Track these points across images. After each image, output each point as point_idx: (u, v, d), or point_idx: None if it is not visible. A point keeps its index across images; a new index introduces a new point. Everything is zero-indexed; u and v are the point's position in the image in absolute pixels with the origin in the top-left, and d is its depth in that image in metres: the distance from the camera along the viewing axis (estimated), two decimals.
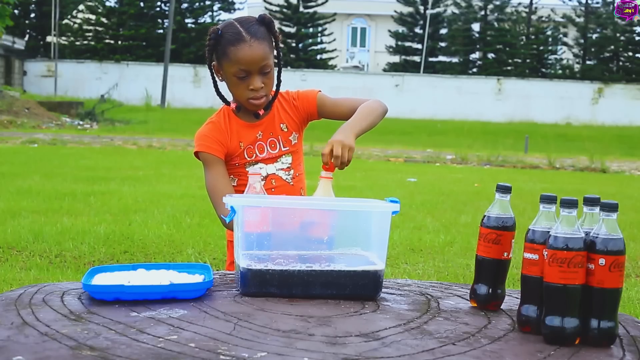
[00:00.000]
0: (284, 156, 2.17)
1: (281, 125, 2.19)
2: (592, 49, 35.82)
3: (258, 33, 2.06)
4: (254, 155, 2.15)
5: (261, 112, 2.17)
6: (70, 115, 24.53)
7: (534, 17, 36.99)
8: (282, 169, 2.17)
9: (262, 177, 2.11)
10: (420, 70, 34.70)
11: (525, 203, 7.65)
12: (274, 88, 2.19)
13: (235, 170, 2.16)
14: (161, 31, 34.80)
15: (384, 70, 37.36)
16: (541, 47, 36.13)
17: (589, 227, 1.40)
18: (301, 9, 35.87)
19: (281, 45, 2.19)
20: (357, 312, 1.52)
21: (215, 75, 2.16)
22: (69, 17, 35.66)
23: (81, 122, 23.18)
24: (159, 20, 35.71)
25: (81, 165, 10.52)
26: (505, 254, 1.58)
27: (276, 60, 2.17)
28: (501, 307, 1.61)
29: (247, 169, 2.13)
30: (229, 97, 2.21)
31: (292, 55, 34.73)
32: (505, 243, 1.57)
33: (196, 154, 2.15)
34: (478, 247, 1.60)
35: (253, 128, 2.17)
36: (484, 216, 1.60)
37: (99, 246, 4.67)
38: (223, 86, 2.19)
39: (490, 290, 1.59)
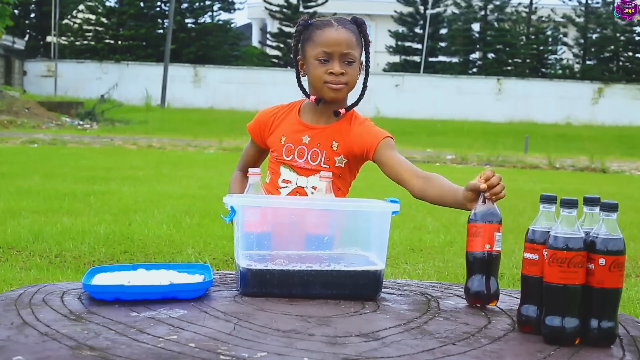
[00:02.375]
0: (321, 173, 1.98)
1: (333, 142, 2.06)
2: (592, 49, 35.78)
3: (347, 25, 2.06)
4: (292, 157, 2.07)
5: (342, 111, 2.06)
6: (70, 115, 24.51)
7: (534, 17, 36.96)
8: (312, 187, 2.05)
9: (284, 182, 2.10)
10: (420, 70, 34.67)
11: (525, 203, 7.64)
12: (358, 93, 2.14)
13: (272, 165, 2.12)
14: (161, 31, 34.76)
15: (384, 70, 37.33)
16: (541, 47, 36.09)
17: (589, 227, 1.40)
18: (301, 8, 35.83)
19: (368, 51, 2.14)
20: (357, 312, 1.52)
21: (299, 69, 2.14)
22: (69, 17, 35.62)
23: (81, 122, 23.17)
24: (159, 20, 35.67)
25: (81, 165, 10.51)
26: (488, 247, 1.59)
27: (363, 62, 2.13)
28: (500, 306, 1.61)
29: (281, 170, 2.09)
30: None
31: (292, 55, 34.70)
32: (486, 236, 1.60)
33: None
34: (467, 244, 1.65)
35: (303, 129, 2.08)
36: (471, 213, 1.65)
37: (99, 246, 4.66)
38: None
39: (482, 284, 1.61)
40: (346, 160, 2.08)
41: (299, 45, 2.10)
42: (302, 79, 2.15)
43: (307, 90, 2.14)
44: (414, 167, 1.98)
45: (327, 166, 2.05)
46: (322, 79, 2.02)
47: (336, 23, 2.05)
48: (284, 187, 2.09)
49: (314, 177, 2.06)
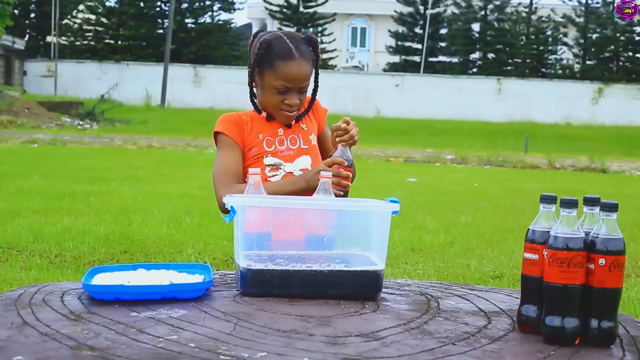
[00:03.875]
0: (303, 156, 2.18)
1: (302, 125, 2.24)
2: (592, 49, 35.78)
3: (306, 53, 2.14)
4: (274, 146, 2.17)
5: (293, 122, 2.22)
6: (70, 115, 24.52)
7: (534, 17, 36.97)
8: (300, 170, 2.15)
9: (278, 174, 2.14)
10: (420, 70, 34.68)
11: (525, 203, 7.65)
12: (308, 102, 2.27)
13: (253, 163, 2.15)
14: (161, 31, 34.77)
15: (384, 70, 37.34)
16: (541, 47, 36.10)
17: (589, 227, 1.40)
18: (301, 9, 35.84)
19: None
20: (357, 312, 1.52)
21: (252, 83, 2.21)
22: (69, 17, 35.62)
23: (81, 122, 23.18)
24: (159, 20, 35.67)
25: (81, 165, 10.52)
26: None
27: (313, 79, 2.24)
28: (500, 306, 1.61)
29: (264, 162, 2.13)
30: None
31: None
32: None
33: (215, 134, 2.19)
34: None
35: (274, 124, 2.20)
36: None
37: (99, 246, 4.66)
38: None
39: None
40: (315, 137, 2.26)
41: (257, 63, 2.15)
42: (255, 90, 2.24)
43: (257, 105, 2.23)
44: None
45: (307, 146, 2.20)
46: (278, 107, 2.17)
47: (297, 53, 2.11)
48: (273, 176, 2.13)
49: (298, 160, 2.17)
